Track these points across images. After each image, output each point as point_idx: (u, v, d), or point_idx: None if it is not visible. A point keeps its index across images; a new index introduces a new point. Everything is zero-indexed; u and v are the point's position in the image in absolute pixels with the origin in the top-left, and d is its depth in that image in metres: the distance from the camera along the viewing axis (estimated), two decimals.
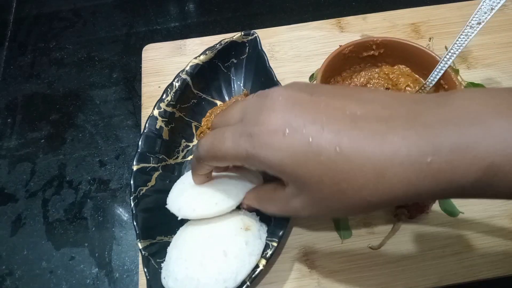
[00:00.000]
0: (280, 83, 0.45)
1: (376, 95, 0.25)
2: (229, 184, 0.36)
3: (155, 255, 0.37)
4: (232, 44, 0.47)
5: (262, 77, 0.46)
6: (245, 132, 0.26)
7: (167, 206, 0.38)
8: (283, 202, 0.29)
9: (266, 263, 0.35)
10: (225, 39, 0.47)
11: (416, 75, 0.45)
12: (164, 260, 0.37)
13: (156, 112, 0.44)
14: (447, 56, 0.40)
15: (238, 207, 0.37)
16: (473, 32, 0.38)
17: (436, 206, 0.42)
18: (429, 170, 0.21)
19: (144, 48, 0.55)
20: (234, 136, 0.27)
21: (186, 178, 0.40)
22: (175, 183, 0.40)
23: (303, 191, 0.26)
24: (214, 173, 0.37)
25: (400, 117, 0.23)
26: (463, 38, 0.39)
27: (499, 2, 0.36)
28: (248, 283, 0.34)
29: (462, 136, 0.21)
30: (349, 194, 0.24)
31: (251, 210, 0.36)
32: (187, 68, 0.46)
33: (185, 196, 0.37)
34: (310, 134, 0.24)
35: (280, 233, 0.37)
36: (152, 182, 0.41)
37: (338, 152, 0.23)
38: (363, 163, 0.23)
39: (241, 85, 0.49)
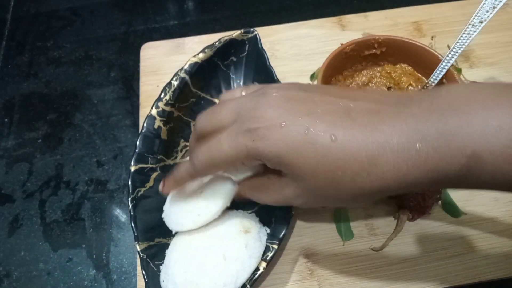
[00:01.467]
0: (280, 82, 0.44)
1: (367, 93, 0.27)
2: (209, 193, 0.35)
3: (154, 257, 0.37)
4: (231, 42, 0.47)
5: (263, 76, 0.46)
6: (242, 129, 0.27)
7: (163, 219, 0.37)
8: (277, 191, 0.30)
9: (267, 265, 0.35)
10: (224, 37, 0.46)
11: (418, 74, 0.44)
12: (163, 263, 0.36)
13: (154, 112, 0.43)
14: (450, 55, 0.39)
15: (237, 208, 0.37)
16: (475, 31, 0.38)
17: (438, 207, 0.42)
18: (418, 157, 0.23)
19: (143, 47, 0.55)
20: (231, 137, 0.27)
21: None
22: (170, 194, 0.39)
23: (299, 180, 0.27)
24: (197, 186, 0.37)
25: (390, 109, 0.24)
26: (465, 36, 0.38)
27: (501, 1, 0.36)
28: (248, 286, 0.34)
29: (447, 124, 0.22)
30: (344, 181, 0.25)
31: (242, 200, 0.35)
32: (186, 66, 0.45)
33: (171, 213, 0.37)
34: (306, 125, 0.25)
35: (281, 235, 0.36)
36: (151, 183, 0.41)
37: (333, 140, 0.24)
38: (357, 151, 0.24)
39: (241, 83, 0.49)
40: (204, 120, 0.32)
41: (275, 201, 0.31)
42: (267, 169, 0.29)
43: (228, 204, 0.35)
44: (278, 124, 0.25)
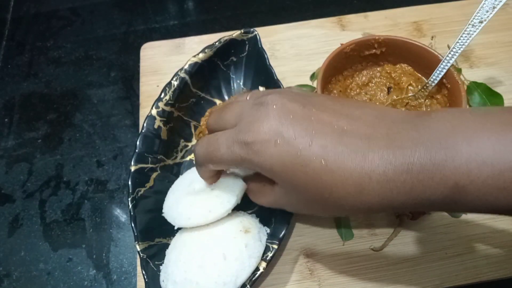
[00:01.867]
0: (280, 82, 0.44)
1: (363, 112, 0.28)
2: (222, 189, 0.36)
3: (154, 257, 0.37)
4: (231, 42, 0.47)
5: (263, 76, 0.46)
6: (239, 139, 0.28)
7: (163, 215, 0.37)
8: (271, 197, 0.32)
9: (267, 265, 0.35)
10: (224, 37, 0.46)
11: (419, 74, 0.44)
12: (163, 263, 0.36)
13: (154, 112, 0.43)
14: (450, 55, 0.39)
15: (237, 208, 0.37)
16: (475, 31, 0.38)
17: None
18: (403, 188, 0.24)
19: (143, 47, 0.55)
20: (228, 142, 0.29)
21: (180, 185, 0.39)
22: (170, 190, 0.40)
23: (290, 192, 0.29)
24: (200, 186, 0.37)
25: (380, 137, 0.25)
26: (465, 36, 0.38)
27: (501, 1, 0.36)
28: (248, 286, 0.34)
29: (432, 158, 0.23)
30: (330, 201, 0.26)
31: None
32: (186, 66, 0.45)
33: (180, 205, 0.36)
34: (299, 146, 0.26)
35: (281, 235, 0.36)
36: (151, 183, 0.41)
37: (323, 165, 0.25)
38: (345, 177, 0.25)
39: (241, 83, 0.49)
40: (212, 120, 0.35)
41: (269, 205, 0.33)
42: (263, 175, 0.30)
43: (239, 201, 0.36)
44: (272, 141, 0.27)
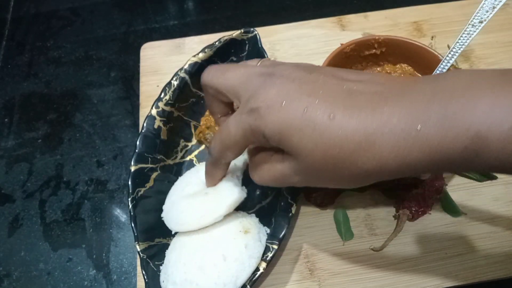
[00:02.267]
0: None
1: (372, 76, 0.27)
2: (214, 196, 0.36)
3: (154, 257, 0.37)
4: (231, 42, 0.47)
5: None
6: (246, 108, 0.28)
7: (162, 219, 0.38)
8: (276, 167, 0.29)
9: (267, 265, 0.35)
10: (224, 36, 0.46)
11: (418, 74, 0.44)
12: (163, 263, 0.36)
13: (154, 112, 0.43)
14: (450, 55, 0.39)
15: (237, 210, 0.37)
16: (475, 31, 0.38)
17: (438, 207, 0.42)
18: (418, 138, 0.22)
19: (143, 47, 0.55)
20: (237, 118, 0.28)
21: (176, 189, 0.39)
22: (168, 194, 0.40)
23: (298, 157, 0.27)
24: (199, 186, 0.37)
25: (394, 92, 0.24)
26: (465, 36, 0.38)
27: (500, 1, 0.36)
28: (248, 286, 0.34)
29: (450, 106, 0.22)
30: (341, 160, 0.25)
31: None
32: (186, 66, 0.45)
33: (174, 210, 0.36)
34: (305, 104, 0.25)
35: (281, 235, 0.36)
36: (151, 183, 0.41)
37: (331, 119, 0.24)
38: (355, 129, 0.24)
39: None
40: (212, 75, 0.33)
41: (273, 178, 0.30)
42: (271, 148, 0.29)
43: (233, 209, 0.36)
44: (278, 103, 0.26)
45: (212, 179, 0.36)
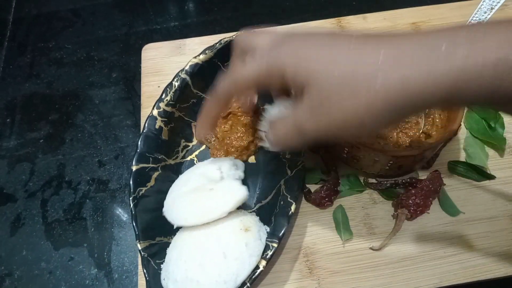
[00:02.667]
0: None
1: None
2: (219, 193, 0.36)
3: (155, 256, 0.37)
4: (232, 43, 0.47)
5: None
6: (266, 52, 0.29)
7: (164, 214, 0.38)
8: (288, 120, 0.29)
9: (266, 264, 0.35)
10: (224, 38, 0.47)
11: None
12: (164, 261, 0.37)
13: (155, 112, 0.43)
14: None
15: (238, 208, 0.37)
16: None
17: (437, 206, 0.42)
18: (441, 54, 0.22)
19: (144, 48, 0.55)
20: (255, 58, 0.29)
21: (178, 184, 0.40)
22: (169, 190, 0.40)
23: (315, 85, 0.26)
24: (202, 182, 0.37)
25: (414, 32, 0.25)
26: None
27: (499, 2, 0.36)
28: (248, 284, 0.34)
29: (479, 32, 0.22)
30: (357, 85, 0.24)
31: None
32: (187, 67, 0.45)
33: (178, 205, 0.37)
34: (324, 40, 0.27)
35: (280, 233, 0.37)
36: (152, 183, 0.41)
37: (349, 48, 0.25)
38: (375, 50, 0.24)
39: None
40: (244, 38, 0.34)
41: (287, 130, 0.30)
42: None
43: (237, 206, 0.36)
44: (297, 43, 0.28)
45: (206, 114, 0.35)
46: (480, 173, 0.43)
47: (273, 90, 0.33)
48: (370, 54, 0.24)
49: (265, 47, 0.30)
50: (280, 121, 0.31)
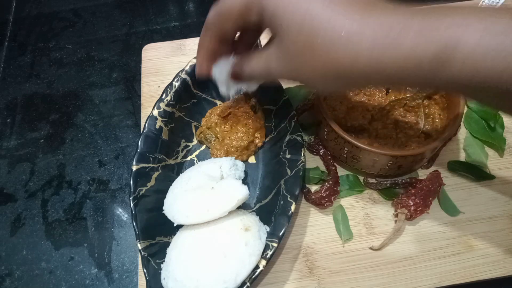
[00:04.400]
0: (281, 84, 0.44)
1: None
2: (221, 191, 0.36)
3: (155, 255, 0.37)
4: None
5: None
6: None
7: (163, 212, 0.38)
8: (262, 55, 0.32)
9: (266, 263, 0.35)
10: None
11: None
12: (164, 261, 0.37)
13: (155, 112, 0.43)
14: None
15: (238, 208, 0.37)
16: None
17: (436, 206, 0.42)
18: (395, 38, 0.25)
19: (144, 48, 0.55)
20: None
21: (179, 182, 0.40)
22: (170, 188, 0.40)
23: (284, 38, 0.29)
24: (203, 181, 0.37)
25: (385, 4, 0.27)
26: None
27: (498, 2, 0.36)
28: (248, 283, 0.34)
29: (430, 21, 0.24)
30: (318, 46, 0.27)
31: (236, 76, 0.36)
32: (187, 68, 0.46)
33: (179, 203, 0.37)
34: None
35: (280, 233, 0.37)
36: (152, 182, 0.41)
37: (323, 10, 0.26)
38: (341, 25, 0.26)
39: None
40: None
41: (259, 65, 0.33)
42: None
43: (238, 205, 0.36)
44: None
45: (202, 46, 0.36)
46: (479, 173, 0.43)
47: (248, 31, 0.35)
48: (340, 21, 0.26)
49: None
50: (254, 55, 0.33)
